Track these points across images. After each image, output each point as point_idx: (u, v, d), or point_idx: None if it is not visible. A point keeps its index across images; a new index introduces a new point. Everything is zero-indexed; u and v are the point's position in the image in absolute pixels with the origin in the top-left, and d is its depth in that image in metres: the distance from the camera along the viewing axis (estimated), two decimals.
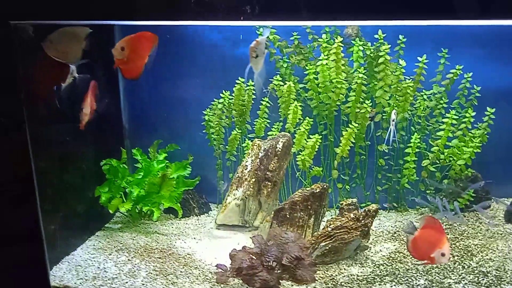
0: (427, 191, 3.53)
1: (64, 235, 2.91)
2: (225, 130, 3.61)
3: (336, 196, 3.62)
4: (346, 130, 3.34)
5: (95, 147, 3.29)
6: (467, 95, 3.44)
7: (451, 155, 3.39)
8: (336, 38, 3.29)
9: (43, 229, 2.55)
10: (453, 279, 2.60)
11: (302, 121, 3.39)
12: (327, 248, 2.78)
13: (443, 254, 2.23)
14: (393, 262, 2.83)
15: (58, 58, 2.37)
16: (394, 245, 3.04)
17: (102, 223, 3.37)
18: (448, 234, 3.12)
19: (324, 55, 3.33)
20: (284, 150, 3.28)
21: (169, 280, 2.62)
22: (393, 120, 3.14)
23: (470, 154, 3.33)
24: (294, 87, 3.39)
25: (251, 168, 3.21)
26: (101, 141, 3.35)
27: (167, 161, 3.48)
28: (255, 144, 3.26)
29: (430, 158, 3.45)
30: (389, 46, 3.29)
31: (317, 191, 2.98)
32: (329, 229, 2.80)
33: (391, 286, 2.56)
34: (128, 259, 2.84)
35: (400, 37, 3.34)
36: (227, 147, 3.61)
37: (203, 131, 3.60)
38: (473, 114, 3.34)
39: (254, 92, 3.50)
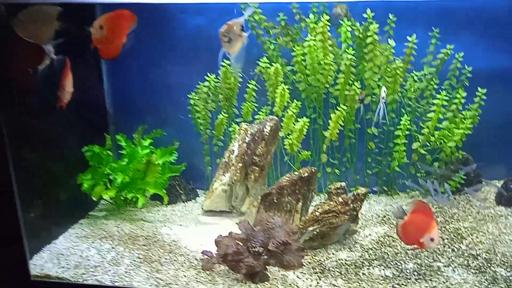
0: (418, 174, 3.48)
1: (46, 224, 2.84)
2: (211, 115, 3.53)
3: (325, 180, 3.57)
4: (335, 113, 3.26)
5: (78, 133, 3.20)
6: (458, 76, 3.37)
7: (441, 137, 3.33)
8: (323, 17, 3.19)
9: (21, 218, 2.48)
10: (442, 263, 2.56)
11: (290, 104, 3.31)
12: (315, 232, 2.73)
13: (432, 239, 2.19)
14: (382, 246, 2.79)
15: (29, 38, 2.26)
16: (384, 229, 3.00)
17: (86, 211, 3.30)
18: (438, 217, 3.08)
19: (312, 36, 3.24)
20: (272, 134, 3.21)
21: (153, 268, 2.56)
22: (383, 98, 3.06)
23: (461, 136, 3.27)
24: (281, 70, 3.31)
25: (238, 153, 3.15)
26: (84, 126, 3.27)
27: (153, 147, 3.40)
28: (242, 129, 3.20)
29: (420, 140, 3.39)
30: (378, 25, 3.21)
31: (305, 175, 2.93)
32: (317, 213, 2.75)
33: (380, 270, 2.51)
34: (112, 247, 2.78)
35: (390, 16, 3.26)
36: (213, 132, 3.53)
37: (189, 115, 3.52)
38: (464, 95, 3.27)
39: (241, 75, 3.41)
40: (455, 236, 2.85)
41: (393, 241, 2.83)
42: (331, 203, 2.78)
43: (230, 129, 3.48)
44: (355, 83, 3.27)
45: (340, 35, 3.30)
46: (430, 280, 2.41)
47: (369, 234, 2.93)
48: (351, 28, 3.26)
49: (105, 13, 2.31)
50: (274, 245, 2.45)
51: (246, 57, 2.54)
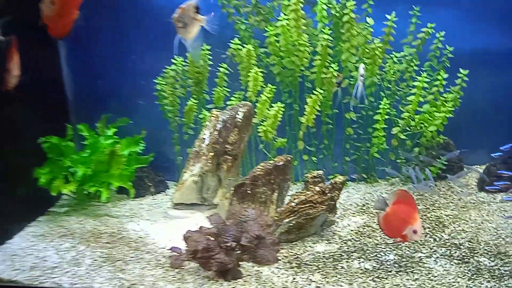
0: (398, 160, 3.36)
1: None
2: (180, 101, 3.32)
3: (302, 168, 3.43)
4: (311, 98, 3.10)
5: (36, 123, 2.98)
6: (439, 57, 3.24)
7: (422, 121, 3.20)
8: None
9: None
10: (424, 253, 2.45)
11: (264, 89, 3.13)
12: (291, 224, 2.60)
13: (415, 231, 2.12)
14: (361, 237, 2.67)
15: None
16: (363, 219, 2.87)
17: (45, 207, 3.08)
18: (418, 205, 2.97)
19: (286, 15, 3.05)
20: (245, 120, 3.03)
21: (117, 267, 2.38)
22: (362, 75, 2.90)
23: (442, 119, 3.15)
24: (254, 52, 3.12)
25: (209, 142, 2.98)
26: (42, 116, 3.03)
27: (117, 137, 3.19)
28: (213, 115, 3.01)
29: (400, 125, 3.26)
30: (355, 3, 3.04)
31: (280, 164, 2.79)
32: (293, 204, 2.62)
33: (359, 263, 2.38)
34: (72, 246, 2.59)
35: None
36: (183, 119, 3.33)
37: (155, 101, 3.31)
38: (445, 76, 3.14)
39: (211, 57, 3.21)
40: (436, 224, 2.75)
41: (373, 231, 2.72)
42: (308, 192, 2.66)
43: (201, 116, 3.29)
44: (332, 65, 3.11)
45: (315, 14, 3.13)
46: (412, 272, 2.29)
47: (348, 225, 2.81)
48: (327, 6, 3.10)
49: None
50: (247, 240, 2.34)
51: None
